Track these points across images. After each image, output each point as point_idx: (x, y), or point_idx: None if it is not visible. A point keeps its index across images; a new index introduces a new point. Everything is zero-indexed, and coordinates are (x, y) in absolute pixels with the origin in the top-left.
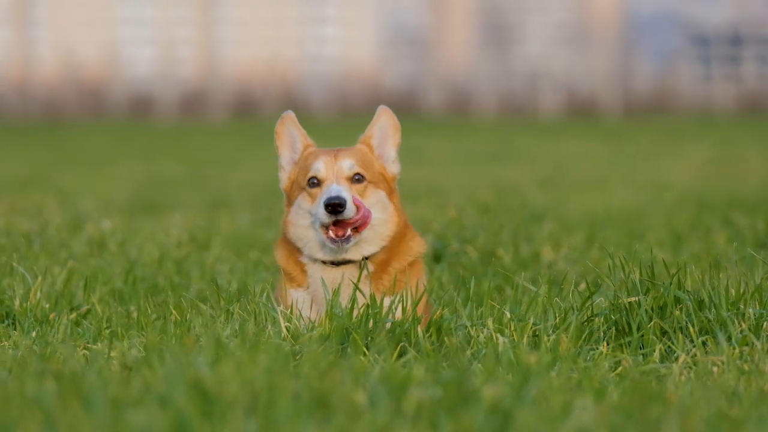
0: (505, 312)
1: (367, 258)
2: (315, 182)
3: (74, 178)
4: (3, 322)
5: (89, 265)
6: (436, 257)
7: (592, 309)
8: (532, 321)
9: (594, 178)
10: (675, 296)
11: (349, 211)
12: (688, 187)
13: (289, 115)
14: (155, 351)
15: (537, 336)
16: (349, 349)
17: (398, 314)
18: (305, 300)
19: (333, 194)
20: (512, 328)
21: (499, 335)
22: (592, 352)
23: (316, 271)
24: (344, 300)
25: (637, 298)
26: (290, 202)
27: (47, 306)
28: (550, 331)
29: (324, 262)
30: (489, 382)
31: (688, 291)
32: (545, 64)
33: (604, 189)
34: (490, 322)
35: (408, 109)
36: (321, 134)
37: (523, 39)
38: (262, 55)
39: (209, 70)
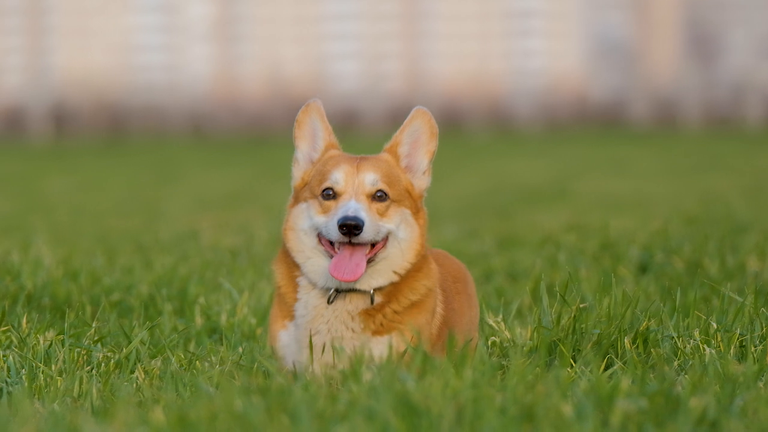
0: (712, 323)
1: (374, 290)
2: (330, 194)
3: (282, 193)
4: (210, 337)
5: None
6: (642, 268)
7: None
8: (738, 331)
9: None
10: None
11: (367, 234)
12: None
13: (315, 104)
14: (362, 365)
15: (744, 346)
16: (556, 361)
17: (381, 355)
18: (292, 342)
19: (350, 213)
20: (719, 338)
21: (705, 346)
22: None
23: (308, 301)
24: (324, 340)
25: None
26: (296, 200)
27: (254, 321)
28: (757, 342)
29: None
30: (696, 394)
31: None
32: (749, 75)
33: None
34: (696, 333)
35: (614, 121)
36: (528, 148)
37: (727, 50)
38: (468, 68)
39: (415, 84)
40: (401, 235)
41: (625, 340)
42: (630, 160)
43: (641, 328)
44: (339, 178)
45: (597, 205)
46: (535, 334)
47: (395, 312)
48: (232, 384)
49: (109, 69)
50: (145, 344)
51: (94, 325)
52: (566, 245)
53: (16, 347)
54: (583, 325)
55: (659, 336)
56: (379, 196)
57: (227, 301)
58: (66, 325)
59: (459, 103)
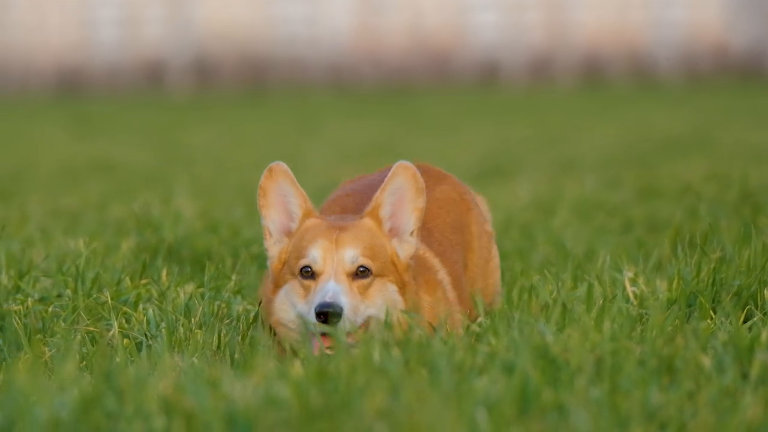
0: None
1: None
2: (309, 272)
3: (423, 145)
4: None
5: None
6: None
7: None
8: None
9: None
10: None
11: (346, 323)
12: None
13: (280, 168)
14: (502, 318)
15: None
16: (695, 313)
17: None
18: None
19: (327, 300)
20: None
21: None
22: None
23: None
24: None
25: None
26: (277, 285)
27: None
28: None
29: None
30: None
31: None
32: None
33: None
34: None
35: (755, 72)
36: (668, 98)
37: None
38: (609, 19)
39: (556, 34)
40: (381, 317)
41: (765, 292)
42: None
43: None
44: (317, 256)
45: (737, 155)
46: (674, 285)
47: None
48: (371, 339)
49: (250, 21)
50: None
51: (233, 277)
52: (706, 196)
53: (156, 300)
54: (722, 277)
55: None
56: (361, 272)
57: None
58: (206, 277)
59: (600, 53)
